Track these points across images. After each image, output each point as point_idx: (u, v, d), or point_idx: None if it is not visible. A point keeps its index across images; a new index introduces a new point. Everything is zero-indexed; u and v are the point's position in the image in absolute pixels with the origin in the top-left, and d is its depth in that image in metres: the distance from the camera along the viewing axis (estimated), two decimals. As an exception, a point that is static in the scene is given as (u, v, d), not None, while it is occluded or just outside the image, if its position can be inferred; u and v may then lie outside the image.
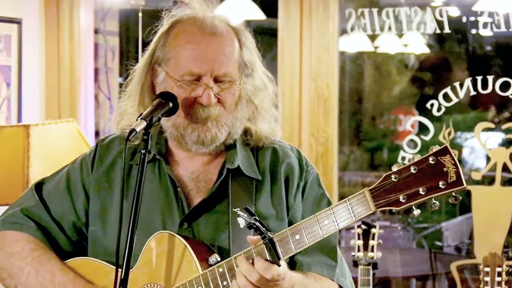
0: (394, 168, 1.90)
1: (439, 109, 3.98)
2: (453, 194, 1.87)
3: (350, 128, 6.69)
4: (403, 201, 1.89)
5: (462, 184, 1.85)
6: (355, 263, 3.64)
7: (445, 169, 1.85)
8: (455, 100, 3.98)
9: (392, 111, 6.76)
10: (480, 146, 4.08)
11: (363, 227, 3.68)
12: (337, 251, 2.29)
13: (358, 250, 3.66)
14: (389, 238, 5.45)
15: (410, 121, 4.26)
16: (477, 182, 4.08)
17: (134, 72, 2.33)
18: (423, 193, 1.87)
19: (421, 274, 5.65)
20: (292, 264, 2.23)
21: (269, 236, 1.99)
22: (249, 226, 1.99)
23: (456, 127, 3.98)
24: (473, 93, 3.96)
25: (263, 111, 2.33)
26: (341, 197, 4.18)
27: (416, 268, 5.67)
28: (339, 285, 2.27)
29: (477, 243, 4.07)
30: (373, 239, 3.67)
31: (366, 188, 1.92)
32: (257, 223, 1.99)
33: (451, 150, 1.87)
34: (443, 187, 1.85)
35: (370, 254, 3.65)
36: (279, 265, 1.99)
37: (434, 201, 1.88)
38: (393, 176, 1.90)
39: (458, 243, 5.63)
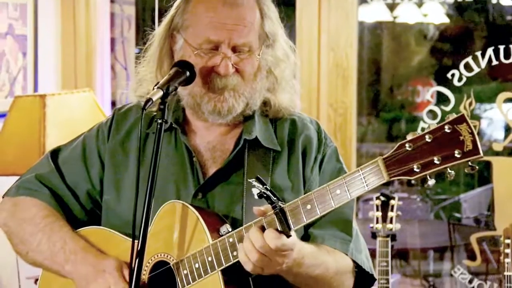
0: (409, 137, 1.85)
1: (460, 79, 3.93)
2: (470, 164, 1.80)
3: (368, 99, 6.66)
4: (417, 170, 1.82)
5: (479, 153, 1.78)
6: (374, 235, 3.62)
7: (461, 138, 1.79)
8: (476, 69, 3.92)
9: (410, 82, 6.72)
10: (501, 116, 4.03)
11: (382, 198, 3.65)
12: (352, 226, 2.25)
13: (377, 222, 3.63)
14: (407, 210, 5.43)
15: (430, 91, 4.21)
16: (497, 153, 4.04)
17: (153, 37, 2.30)
18: (438, 163, 1.81)
19: (439, 246, 5.63)
20: (306, 237, 2.20)
21: (280, 206, 1.95)
22: (260, 195, 1.94)
23: (477, 98, 3.93)
24: (495, 62, 3.90)
25: (284, 83, 2.29)
26: (360, 168, 4.14)
27: (434, 240, 5.66)
28: (353, 260, 2.23)
29: (497, 214, 4.04)
30: (392, 210, 3.64)
31: (380, 157, 1.87)
32: (268, 192, 1.94)
33: (468, 118, 1.80)
34: (458, 156, 1.79)
35: (389, 225, 3.62)
36: (289, 236, 1.95)
37: (450, 171, 1.81)
38: (407, 145, 1.84)
39: (477, 214, 5.60)
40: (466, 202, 5.90)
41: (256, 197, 1.96)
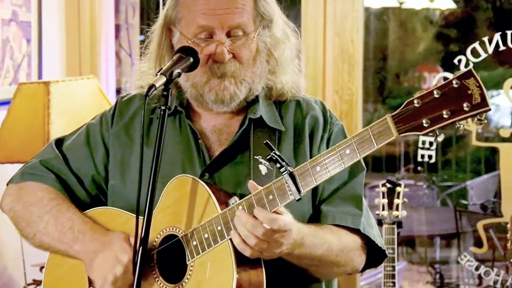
0: (417, 94, 1.86)
1: (466, 65, 3.90)
2: (478, 117, 1.82)
3: (374, 85, 6.64)
4: (427, 125, 1.84)
5: (487, 106, 1.80)
6: (380, 222, 3.61)
7: (469, 92, 1.79)
8: (483, 55, 3.89)
9: (417, 68, 6.70)
10: (508, 102, 4.00)
11: (388, 185, 3.64)
12: (362, 200, 2.25)
13: (383, 209, 3.62)
14: (413, 197, 5.42)
15: (437, 77, 4.19)
16: (504, 140, 4.02)
17: (152, 33, 2.32)
18: (446, 116, 1.82)
19: (445, 233, 5.63)
20: (317, 215, 2.20)
21: (289, 170, 1.97)
22: (269, 159, 1.97)
23: (484, 84, 3.90)
24: (502, 48, 3.87)
25: (285, 64, 2.29)
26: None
27: (441, 227, 5.65)
28: (365, 236, 2.22)
29: (504, 201, 4.02)
30: (398, 197, 3.63)
31: (388, 114, 1.88)
32: (277, 156, 1.97)
33: (475, 73, 1.82)
34: (467, 109, 1.79)
35: (395, 212, 3.61)
36: (299, 199, 1.97)
37: (459, 125, 1.84)
38: (415, 101, 1.85)
39: (484, 201, 5.59)
40: (473, 189, 5.89)
41: (263, 173, 1.98)
